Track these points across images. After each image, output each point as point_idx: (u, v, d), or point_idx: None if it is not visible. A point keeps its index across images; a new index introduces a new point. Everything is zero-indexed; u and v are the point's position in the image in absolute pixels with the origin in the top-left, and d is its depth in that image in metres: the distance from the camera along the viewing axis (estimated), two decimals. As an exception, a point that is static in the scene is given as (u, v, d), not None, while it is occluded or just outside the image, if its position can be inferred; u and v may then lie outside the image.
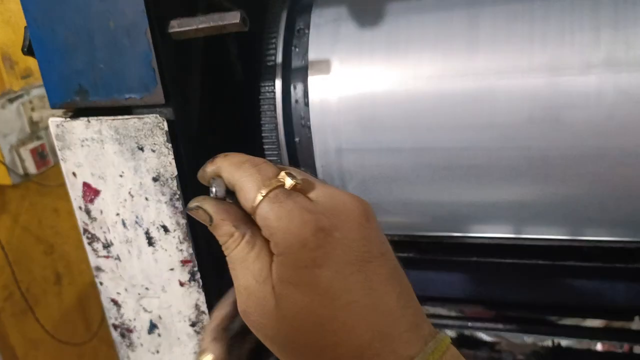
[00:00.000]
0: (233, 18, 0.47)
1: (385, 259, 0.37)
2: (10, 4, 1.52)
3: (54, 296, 1.83)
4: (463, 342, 0.93)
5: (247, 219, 0.38)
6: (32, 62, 1.61)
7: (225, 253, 0.39)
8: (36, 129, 1.59)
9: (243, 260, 0.38)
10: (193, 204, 0.40)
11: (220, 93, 0.60)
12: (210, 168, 0.41)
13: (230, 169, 0.40)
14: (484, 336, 1.05)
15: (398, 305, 0.36)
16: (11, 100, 1.52)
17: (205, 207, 0.39)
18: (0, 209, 1.58)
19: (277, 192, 0.37)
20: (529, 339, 0.97)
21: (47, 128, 1.62)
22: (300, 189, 0.38)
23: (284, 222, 0.36)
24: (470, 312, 1.15)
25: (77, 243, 1.85)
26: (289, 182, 0.37)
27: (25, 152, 1.55)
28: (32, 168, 1.57)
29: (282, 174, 0.38)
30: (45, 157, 1.61)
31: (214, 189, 0.40)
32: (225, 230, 0.38)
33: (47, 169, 1.63)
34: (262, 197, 0.37)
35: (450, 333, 0.93)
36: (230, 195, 0.40)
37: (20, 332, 1.70)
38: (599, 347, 0.99)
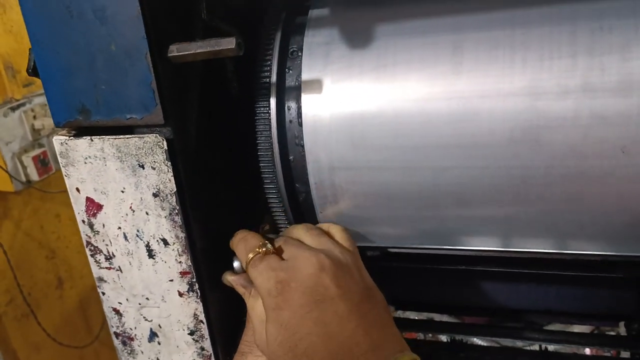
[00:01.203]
0: (229, 44, 0.49)
1: (340, 298, 0.49)
2: (12, 13, 1.55)
3: (56, 300, 1.86)
4: (455, 346, 0.95)
5: None
6: (33, 70, 1.63)
7: (246, 302, 0.58)
8: (38, 136, 1.62)
9: (252, 307, 0.55)
10: (222, 277, 0.60)
11: (217, 110, 0.63)
12: (230, 243, 0.59)
13: (235, 247, 0.58)
14: (476, 341, 1.08)
15: (357, 334, 0.47)
16: (13, 109, 1.54)
17: (226, 278, 0.59)
18: (2, 215, 1.61)
19: (254, 259, 0.54)
20: (518, 343, 0.99)
21: (48, 135, 1.65)
22: (273, 252, 0.54)
23: (258, 279, 0.52)
24: (463, 318, 1.17)
25: (78, 248, 1.88)
26: (263, 250, 0.54)
27: (27, 160, 1.57)
28: (34, 175, 1.59)
29: (260, 244, 0.55)
30: (47, 164, 1.63)
31: (234, 263, 0.59)
32: (240, 290, 0.58)
33: (49, 175, 1.66)
34: (247, 263, 0.54)
35: (442, 338, 0.95)
36: None
37: (22, 335, 1.73)
38: (587, 351, 1.02)
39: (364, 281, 0.53)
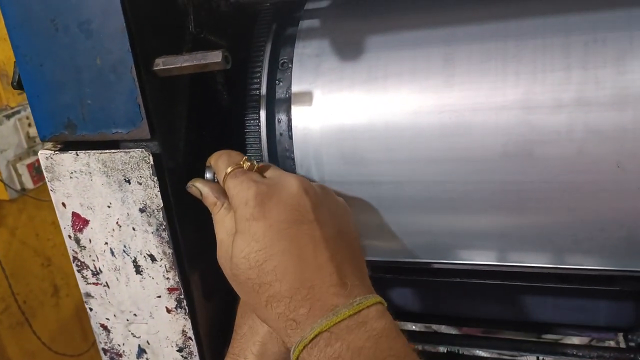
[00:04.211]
0: (215, 57, 0.48)
1: (318, 224, 0.47)
2: (7, 21, 1.54)
3: (51, 308, 1.85)
4: (452, 358, 0.94)
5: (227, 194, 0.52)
6: (29, 77, 1.62)
7: (212, 217, 0.54)
8: (33, 144, 1.61)
9: (221, 221, 0.52)
10: (189, 183, 0.55)
11: (206, 123, 0.62)
12: (207, 160, 0.56)
13: (214, 158, 0.55)
14: (474, 352, 1.07)
15: (329, 265, 0.46)
16: (8, 116, 1.53)
17: (196, 185, 0.55)
18: (-3, 224, 1.60)
19: (236, 171, 0.52)
20: (514, 355, 0.98)
21: (43, 143, 1.64)
22: (256, 170, 0.53)
23: (237, 188, 0.50)
24: (460, 330, 1.16)
25: (73, 255, 1.86)
26: (247, 165, 0.52)
27: (22, 167, 1.57)
28: (29, 183, 1.58)
29: (244, 158, 0.53)
30: (41, 172, 1.62)
31: (206, 174, 0.56)
32: (210, 200, 0.53)
33: (44, 183, 1.65)
34: (226, 174, 0.52)
35: (440, 349, 0.94)
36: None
37: (17, 344, 1.72)
38: (585, 363, 1.00)
39: (343, 219, 0.51)
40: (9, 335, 1.69)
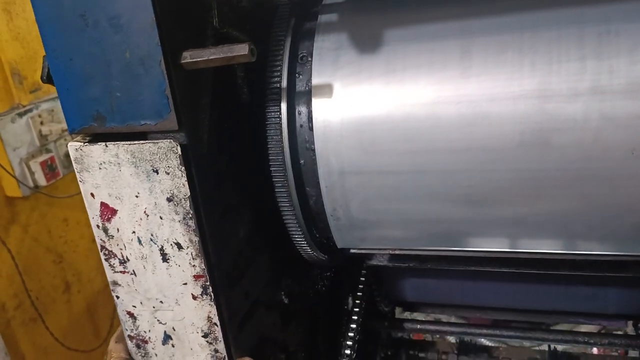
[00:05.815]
0: (241, 50, 0.50)
1: None
2: (19, 20, 1.56)
3: (63, 304, 1.87)
4: (463, 347, 0.95)
5: None
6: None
7: None
8: (45, 142, 1.62)
9: None
10: None
11: (228, 115, 0.63)
12: None
13: None
14: (484, 341, 1.08)
15: None
16: (21, 115, 1.55)
17: None
18: (10, 221, 1.62)
19: None
20: (526, 344, 1.00)
21: (56, 141, 1.65)
22: None
23: None
24: (472, 319, 1.18)
25: (86, 252, 1.88)
26: None
27: (35, 165, 1.58)
28: (41, 180, 1.60)
29: None
30: (54, 169, 1.64)
31: None
32: None
33: (57, 180, 1.67)
34: None
35: (451, 339, 0.96)
36: None
37: (30, 339, 1.74)
38: (594, 351, 1.02)
39: None
40: (22, 331, 1.70)
